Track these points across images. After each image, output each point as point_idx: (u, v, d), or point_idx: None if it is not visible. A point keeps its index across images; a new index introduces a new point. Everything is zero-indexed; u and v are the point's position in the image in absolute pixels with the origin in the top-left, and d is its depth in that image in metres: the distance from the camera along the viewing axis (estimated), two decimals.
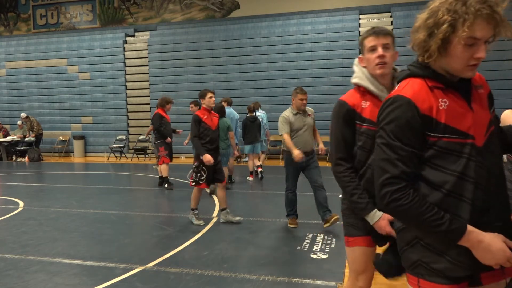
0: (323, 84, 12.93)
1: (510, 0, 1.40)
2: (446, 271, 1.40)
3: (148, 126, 12.42)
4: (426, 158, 1.40)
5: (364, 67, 2.17)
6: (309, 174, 5.18)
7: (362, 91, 2.17)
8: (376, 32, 2.10)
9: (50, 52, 15.86)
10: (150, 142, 12.76)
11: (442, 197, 1.38)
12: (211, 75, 14.10)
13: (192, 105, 8.19)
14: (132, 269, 4.00)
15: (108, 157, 14.48)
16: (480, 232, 1.34)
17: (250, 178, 9.08)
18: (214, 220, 5.80)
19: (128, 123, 15.26)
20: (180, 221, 5.80)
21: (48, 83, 15.93)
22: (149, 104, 14.78)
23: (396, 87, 1.49)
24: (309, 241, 4.77)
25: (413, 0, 12.63)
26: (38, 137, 14.83)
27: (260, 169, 9.22)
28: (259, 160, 9.40)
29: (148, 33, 15.28)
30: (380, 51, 2.08)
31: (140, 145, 14.18)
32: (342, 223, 2.41)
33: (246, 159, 10.77)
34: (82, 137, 15.33)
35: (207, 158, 5.34)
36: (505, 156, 2.41)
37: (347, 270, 3.72)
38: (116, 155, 14.36)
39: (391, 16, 12.95)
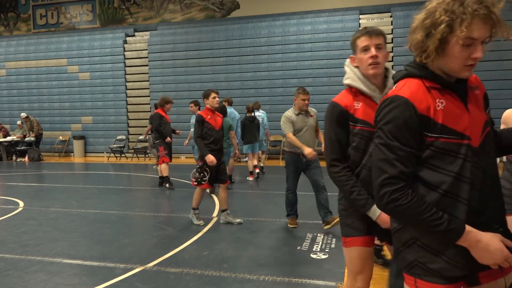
0: (323, 84, 12.93)
1: (507, 1, 1.41)
2: (442, 271, 1.40)
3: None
4: (423, 158, 1.41)
5: (356, 67, 2.17)
6: (310, 175, 5.15)
7: (354, 92, 2.17)
8: (369, 32, 2.10)
9: (50, 52, 15.87)
10: (148, 141, 12.75)
11: (439, 198, 1.39)
12: (211, 75, 14.10)
13: (192, 105, 8.20)
14: (132, 269, 4.01)
15: (108, 157, 14.49)
16: (478, 232, 1.35)
17: (250, 178, 9.08)
18: (214, 220, 5.80)
19: (128, 123, 15.28)
20: (180, 221, 5.81)
21: (48, 83, 15.94)
22: (149, 104, 14.78)
23: (393, 87, 1.49)
24: (309, 241, 4.78)
25: (413, 0, 12.61)
26: (38, 137, 14.83)
27: (257, 170, 9.23)
28: (258, 161, 9.40)
29: (148, 33, 15.28)
30: (373, 51, 2.08)
31: (140, 145, 14.19)
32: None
33: (246, 159, 10.78)
34: (82, 137, 15.34)
35: (210, 158, 5.33)
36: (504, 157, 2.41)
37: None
38: (116, 155, 14.37)
39: (391, 16, 12.91)
